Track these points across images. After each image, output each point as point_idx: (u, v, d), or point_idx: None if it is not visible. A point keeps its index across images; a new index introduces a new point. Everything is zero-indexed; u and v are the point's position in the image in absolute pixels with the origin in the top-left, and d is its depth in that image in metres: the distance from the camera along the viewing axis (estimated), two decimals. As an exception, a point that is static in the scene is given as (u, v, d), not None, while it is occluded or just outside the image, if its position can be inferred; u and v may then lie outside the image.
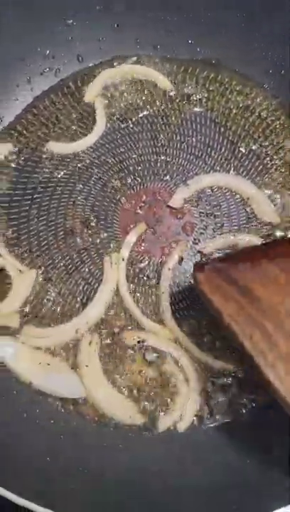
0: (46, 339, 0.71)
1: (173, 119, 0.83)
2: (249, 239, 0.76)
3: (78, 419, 0.67)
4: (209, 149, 0.81)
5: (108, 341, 0.70)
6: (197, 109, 0.84)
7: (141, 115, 0.83)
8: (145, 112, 0.84)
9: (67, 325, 0.71)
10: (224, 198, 0.79)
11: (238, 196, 0.79)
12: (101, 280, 0.73)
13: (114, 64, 0.86)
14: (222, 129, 0.82)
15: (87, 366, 0.68)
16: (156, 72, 0.85)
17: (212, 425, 0.67)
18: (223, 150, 0.81)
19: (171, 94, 0.85)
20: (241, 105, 0.84)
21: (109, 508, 0.59)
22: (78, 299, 0.73)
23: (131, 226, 0.77)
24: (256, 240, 0.75)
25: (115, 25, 0.85)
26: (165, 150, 0.81)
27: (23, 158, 0.81)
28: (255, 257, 0.62)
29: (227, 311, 0.58)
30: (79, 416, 0.67)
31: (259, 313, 0.57)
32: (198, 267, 0.64)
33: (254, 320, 0.57)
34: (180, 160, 0.81)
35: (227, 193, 0.79)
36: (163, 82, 0.85)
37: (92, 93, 0.84)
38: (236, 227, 0.77)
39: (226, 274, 0.61)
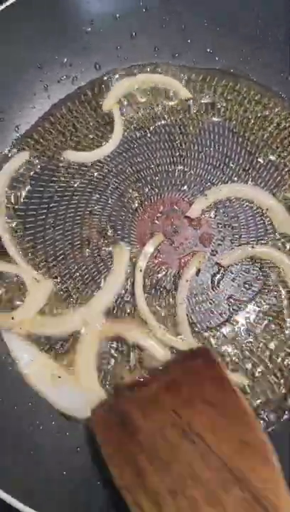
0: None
1: (191, 128, 0.82)
2: (268, 250, 0.75)
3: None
4: (227, 159, 0.81)
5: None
6: (215, 119, 0.83)
7: (158, 124, 0.83)
8: (162, 122, 0.83)
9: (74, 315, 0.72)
10: (241, 209, 0.78)
11: (256, 207, 0.78)
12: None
13: (132, 72, 0.85)
14: (240, 139, 0.81)
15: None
16: (174, 80, 0.84)
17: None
18: (241, 160, 0.80)
19: (189, 103, 0.84)
20: (259, 115, 0.83)
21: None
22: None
23: (148, 236, 0.76)
24: (275, 252, 0.75)
25: (133, 34, 0.85)
26: (183, 160, 0.81)
27: (39, 167, 0.80)
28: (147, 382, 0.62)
29: (107, 450, 0.56)
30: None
31: (136, 447, 0.55)
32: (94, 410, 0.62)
33: (130, 454, 0.55)
34: (197, 170, 0.80)
35: (245, 204, 0.78)
36: (182, 90, 0.84)
37: (109, 102, 0.84)
38: (254, 239, 0.76)
39: (116, 408, 0.60)
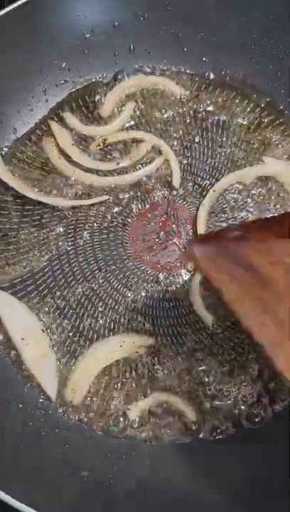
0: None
1: (189, 129, 0.85)
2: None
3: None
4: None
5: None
6: (210, 121, 0.85)
7: (156, 130, 0.85)
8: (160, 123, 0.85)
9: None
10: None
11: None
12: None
13: (130, 78, 0.87)
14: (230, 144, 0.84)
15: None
16: (170, 82, 0.87)
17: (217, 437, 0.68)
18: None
19: (185, 108, 0.86)
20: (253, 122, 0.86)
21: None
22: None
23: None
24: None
25: (131, 40, 0.87)
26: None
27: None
28: (261, 232, 0.55)
29: (230, 293, 0.50)
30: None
31: (269, 296, 0.50)
32: (199, 240, 0.58)
33: (263, 304, 0.50)
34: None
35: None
36: (177, 93, 0.86)
37: (108, 107, 0.85)
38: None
39: (228, 250, 0.54)
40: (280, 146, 0.83)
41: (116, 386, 0.70)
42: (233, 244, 0.54)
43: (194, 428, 0.68)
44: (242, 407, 0.69)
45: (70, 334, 0.73)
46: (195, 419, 0.68)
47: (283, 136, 0.84)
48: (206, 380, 0.70)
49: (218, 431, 0.68)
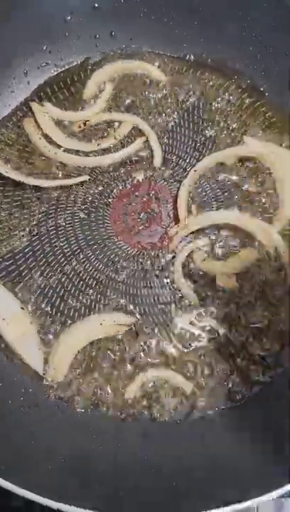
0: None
1: (170, 111, 0.85)
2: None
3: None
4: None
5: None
6: (189, 104, 0.85)
7: (138, 112, 0.85)
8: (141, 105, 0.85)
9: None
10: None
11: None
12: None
13: (110, 60, 0.87)
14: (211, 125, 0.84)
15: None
16: (151, 66, 0.87)
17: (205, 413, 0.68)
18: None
19: (166, 89, 0.86)
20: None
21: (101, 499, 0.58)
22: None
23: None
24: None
25: (111, 23, 0.87)
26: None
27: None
28: None
29: None
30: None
31: None
32: None
33: None
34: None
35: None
36: (157, 76, 0.86)
37: (90, 90, 0.85)
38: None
39: None
40: (260, 127, 0.83)
41: (97, 365, 0.70)
42: None
43: (189, 400, 0.68)
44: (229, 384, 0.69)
45: (51, 313, 0.72)
46: (190, 390, 0.69)
47: (263, 117, 0.84)
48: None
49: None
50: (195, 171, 0.80)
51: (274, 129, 0.83)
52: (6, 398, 0.66)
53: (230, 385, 0.69)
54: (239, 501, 0.52)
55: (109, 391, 0.69)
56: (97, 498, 0.54)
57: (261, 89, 0.86)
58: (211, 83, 0.87)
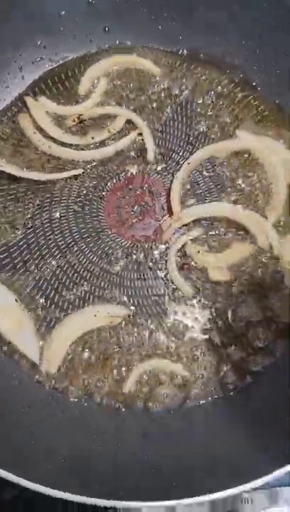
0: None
1: (164, 105, 0.86)
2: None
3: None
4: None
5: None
6: (182, 99, 0.86)
7: (131, 106, 0.85)
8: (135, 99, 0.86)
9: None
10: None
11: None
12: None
13: (105, 55, 0.88)
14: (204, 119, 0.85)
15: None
16: (146, 61, 0.87)
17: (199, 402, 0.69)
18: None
19: (159, 83, 0.87)
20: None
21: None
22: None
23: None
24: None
25: (106, 18, 0.87)
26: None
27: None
28: None
29: None
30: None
31: None
32: None
33: None
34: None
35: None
36: (153, 70, 0.87)
37: (85, 85, 0.86)
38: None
39: None
40: (253, 120, 0.84)
41: (91, 356, 0.70)
42: None
43: (184, 390, 0.69)
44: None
45: (46, 305, 0.73)
46: (187, 373, 0.70)
47: (256, 111, 0.85)
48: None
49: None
50: (188, 163, 0.80)
51: (266, 123, 0.84)
52: (6, 398, 0.67)
53: (223, 375, 0.70)
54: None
55: (103, 381, 0.69)
56: (97, 498, 0.55)
57: (254, 83, 0.86)
58: (204, 77, 0.87)
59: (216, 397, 0.69)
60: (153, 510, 0.58)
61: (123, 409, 0.68)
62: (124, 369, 0.70)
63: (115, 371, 0.70)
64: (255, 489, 0.56)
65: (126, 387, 0.69)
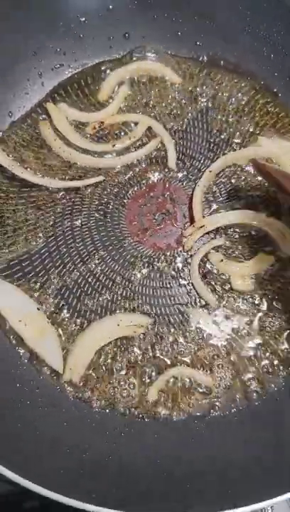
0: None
1: (184, 112, 0.85)
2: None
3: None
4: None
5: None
6: (203, 106, 0.86)
7: (152, 113, 0.85)
8: (155, 106, 0.85)
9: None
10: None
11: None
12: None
13: (125, 62, 0.88)
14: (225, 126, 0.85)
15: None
16: (165, 68, 0.87)
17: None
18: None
19: (180, 90, 0.86)
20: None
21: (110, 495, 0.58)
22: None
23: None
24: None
25: (125, 24, 0.87)
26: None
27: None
28: None
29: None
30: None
31: None
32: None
33: None
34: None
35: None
36: (173, 77, 0.86)
37: (105, 92, 0.85)
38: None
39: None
40: (274, 127, 0.84)
41: (115, 365, 0.70)
42: None
43: (206, 399, 0.69)
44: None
45: (68, 315, 0.73)
46: (211, 381, 0.69)
47: (276, 118, 0.84)
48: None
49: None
50: (209, 171, 0.80)
51: (287, 129, 0.84)
52: (25, 399, 0.67)
53: (246, 385, 0.69)
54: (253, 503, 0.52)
55: (127, 390, 0.69)
56: (109, 502, 0.55)
57: (275, 89, 0.86)
58: (224, 84, 0.87)
59: (241, 408, 0.68)
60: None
61: (146, 420, 0.68)
62: (147, 378, 0.70)
63: (138, 380, 0.69)
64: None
65: (149, 396, 0.68)
